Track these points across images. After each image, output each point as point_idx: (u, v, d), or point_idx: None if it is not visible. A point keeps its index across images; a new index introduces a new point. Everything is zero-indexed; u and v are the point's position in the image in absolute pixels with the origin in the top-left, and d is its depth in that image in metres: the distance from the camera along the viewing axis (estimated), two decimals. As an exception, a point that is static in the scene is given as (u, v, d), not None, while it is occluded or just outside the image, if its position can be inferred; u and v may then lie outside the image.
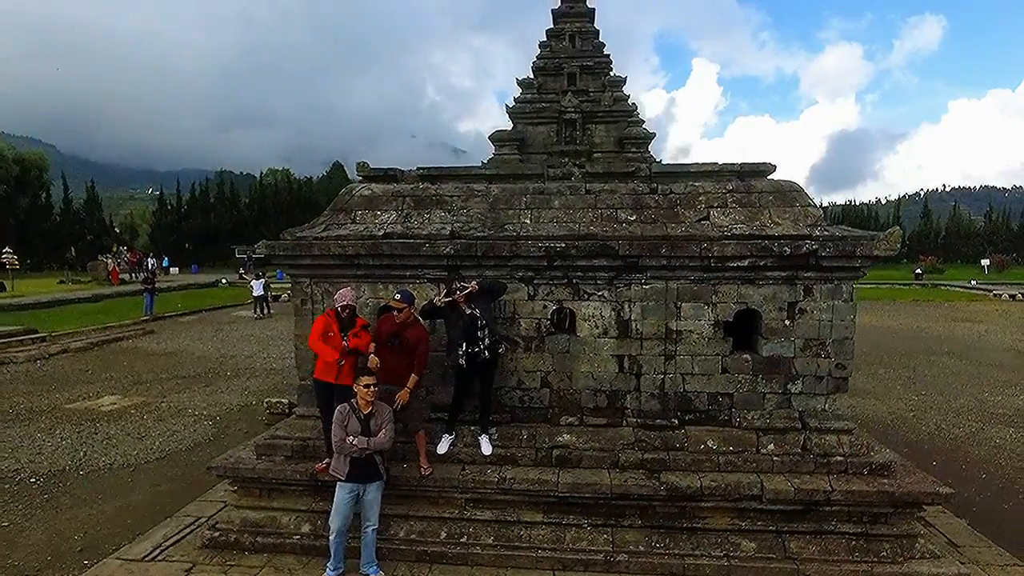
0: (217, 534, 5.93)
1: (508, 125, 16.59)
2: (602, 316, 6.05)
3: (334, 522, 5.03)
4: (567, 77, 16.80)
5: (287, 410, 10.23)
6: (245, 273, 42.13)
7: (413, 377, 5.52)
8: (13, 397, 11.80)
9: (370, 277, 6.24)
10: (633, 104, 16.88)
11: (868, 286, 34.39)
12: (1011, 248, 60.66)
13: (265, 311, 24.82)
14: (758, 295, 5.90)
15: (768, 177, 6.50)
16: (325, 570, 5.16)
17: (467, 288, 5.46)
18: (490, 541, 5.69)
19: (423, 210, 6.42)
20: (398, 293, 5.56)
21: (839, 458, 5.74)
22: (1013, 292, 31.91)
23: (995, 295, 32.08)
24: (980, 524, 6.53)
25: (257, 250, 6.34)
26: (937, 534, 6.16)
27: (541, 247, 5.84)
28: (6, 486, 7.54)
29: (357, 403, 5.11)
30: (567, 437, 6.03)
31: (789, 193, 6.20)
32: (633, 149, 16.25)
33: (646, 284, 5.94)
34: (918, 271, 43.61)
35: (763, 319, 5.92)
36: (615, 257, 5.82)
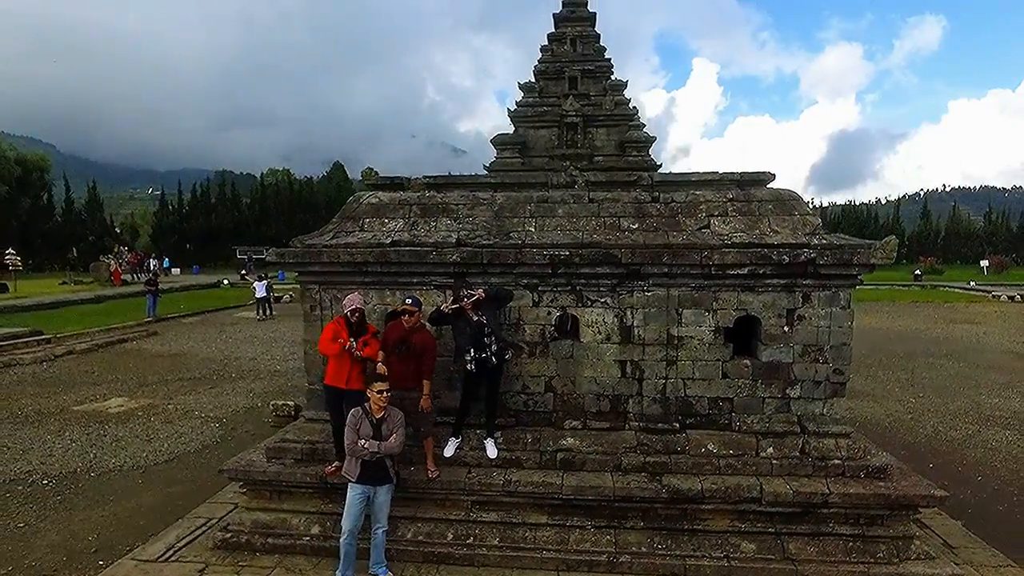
0: (229, 535, 6.07)
1: (508, 127, 16.72)
2: (605, 322, 6.18)
3: (346, 523, 5.16)
4: (568, 81, 16.88)
5: (293, 413, 10.38)
6: (247, 274, 42.26)
7: (427, 383, 5.67)
8: (21, 399, 11.94)
9: (378, 284, 6.38)
10: (634, 108, 16.98)
11: (868, 287, 34.52)
12: (1010, 249, 60.81)
13: (268, 312, 24.96)
14: (758, 302, 6.03)
15: (768, 186, 6.63)
16: (335, 573, 5.28)
17: (474, 295, 5.60)
18: (496, 542, 5.83)
19: (429, 218, 6.55)
20: (408, 299, 5.70)
21: (837, 461, 5.88)
22: (1012, 294, 32.06)
23: (994, 296, 32.24)
24: (975, 526, 6.67)
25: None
26: (933, 535, 6.31)
27: (546, 255, 5.98)
28: (19, 488, 7.68)
29: (370, 407, 5.24)
30: (571, 441, 6.16)
31: (788, 202, 6.34)
32: (634, 153, 16.33)
33: (648, 291, 6.08)
34: (917, 272, 43.76)
35: (763, 325, 6.05)
36: (618, 265, 5.96)
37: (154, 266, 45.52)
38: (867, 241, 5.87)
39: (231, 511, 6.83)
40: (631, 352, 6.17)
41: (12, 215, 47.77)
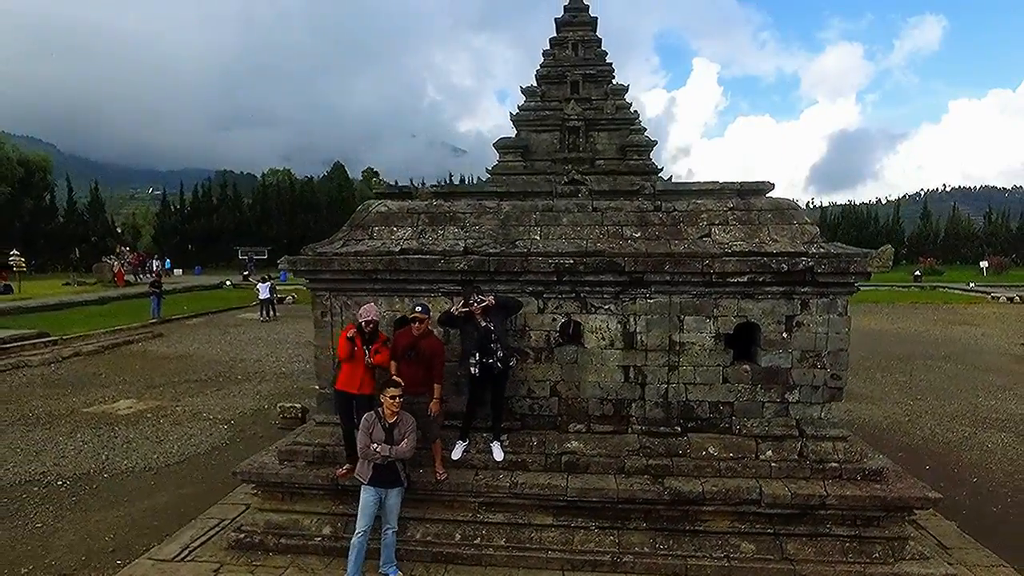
0: (242, 536, 6.23)
1: (508, 127, 16.88)
2: (609, 328, 6.35)
3: (360, 523, 5.33)
4: (570, 85, 17.05)
5: (300, 415, 10.56)
6: (250, 276, 42.42)
7: (437, 387, 5.85)
8: (32, 401, 12.11)
9: (387, 291, 6.54)
10: (635, 112, 17.14)
11: (868, 288, 34.68)
12: (1010, 249, 60.90)
13: (271, 314, 25.12)
14: (757, 309, 6.20)
15: (767, 195, 6.79)
16: (350, 567, 5.43)
17: (484, 301, 5.78)
18: (502, 543, 6.00)
19: (437, 226, 6.72)
20: (418, 306, 5.87)
21: (834, 464, 6.05)
22: (1011, 295, 32.19)
23: (993, 297, 32.38)
24: (969, 526, 6.83)
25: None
26: (927, 536, 6.47)
27: (551, 263, 6.15)
28: (35, 489, 7.85)
29: (383, 412, 5.41)
30: (575, 444, 6.33)
31: (787, 211, 6.50)
32: (635, 157, 16.50)
33: (651, 298, 6.24)
34: (917, 273, 43.88)
35: (762, 332, 6.22)
36: (621, 273, 6.12)
37: (156, 267, 45.72)
38: (863, 250, 6.03)
39: (243, 512, 7.00)
40: (634, 358, 6.33)
41: (15, 216, 47.94)
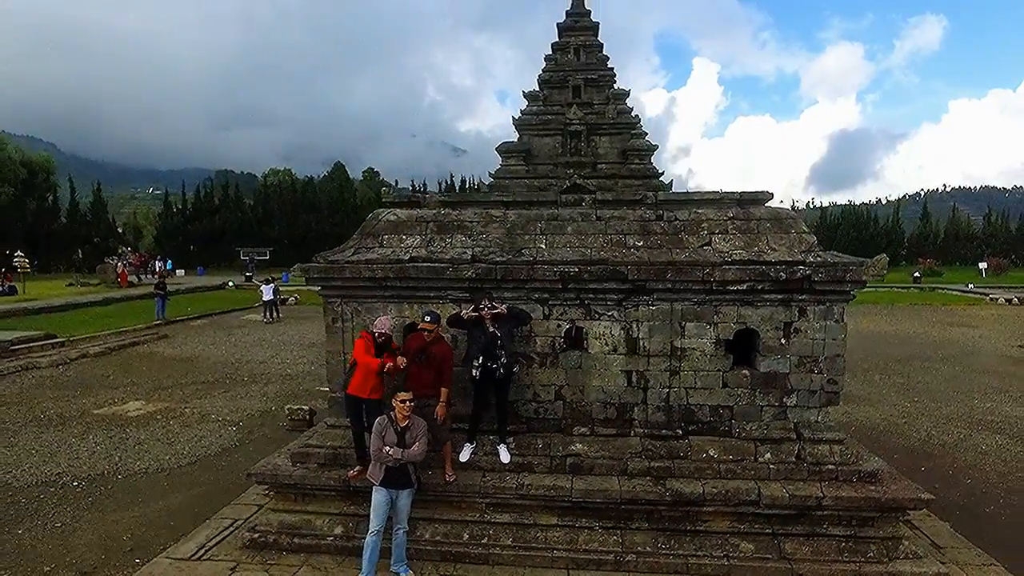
0: (257, 535, 6.43)
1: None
2: (612, 334, 6.54)
3: (373, 523, 5.52)
4: (572, 90, 17.24)
5: (307, 417, 10.75)
6: (253, 277, 42.60)
7: (445, 391, 6.04)
8: (43, 402, 12.30)
9: (396, 298, 6.73)
10: (636, 116, 17.33)
11: (867, 290, 34.84)
12: (1009, 250, 61.07)
13: (274, 315, 25.32)
14: (756, 316, 6.39)
15: (766, 204, 6.98)
16: (364, 566, 5.60)
17: (497, 309, 6.01)
18: (509, 542, 6.19)
19: (445, 235, 6.91)
20: (427, 315, 6.06)
21: (830, 466, 6.24)
22: (1009, 296, 32.35)
23: (991, 299, 32.54)
24: (962, 527, 7.02)
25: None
26: (921, 536, 6.66)
27: (556, 271, 6.34)
28: (51, 489, 8.05)
29: (394, 416, 5.60)
30: (579, 446, 6.52)
31: (785, 220, 6.69)
32: (636, 160, 16.69)
33: (653, 305, 6.44)
34: (916, 274, 44.03)
35: (761, 338, 6.41)
36: (624, 281, 6.32)
37: (159, 267, 45.92)
38: (859, 259, 6.22)
39: (255, 512, 7.20)
40: (637, 363, 6.53)
41: (18, 217, 48.12)
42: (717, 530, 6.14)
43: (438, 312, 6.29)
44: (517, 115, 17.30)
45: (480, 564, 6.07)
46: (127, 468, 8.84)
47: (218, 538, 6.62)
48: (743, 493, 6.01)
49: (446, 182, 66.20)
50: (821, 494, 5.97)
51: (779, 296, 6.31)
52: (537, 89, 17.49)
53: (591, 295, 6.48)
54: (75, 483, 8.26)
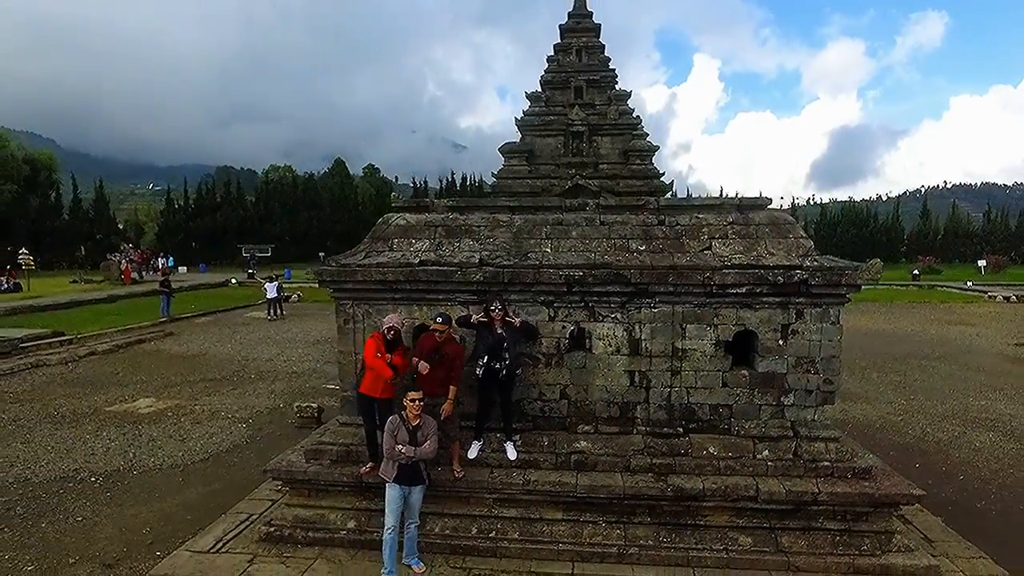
0: (272, 529, 6.66)
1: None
2: (615, 336, 6.76)
3: (389, 520, 5.75)
4: (574, 91, 17.41)
5: (316, 414, 10.99)
6: (255, 274, 42.80)
7: (454, 389, 6.27)
8: (55, 400, 12.54)
9: (406, 300, 6.95)
10: (637, 117, 17.52)
11: (866, 287, 34.99)
12: (1009, 248, 61.23)
13: (278, 312, 25.54)
14: (755, 318, 6.61)
15: (765, 210, 7.18)
16: (382, 565, 5.82)
17: (512, 321, 6.34)
18: (516, 536, 6.43)
19: (453, 239, 7.12)
20: (439, 317, 6.29)
21: (826, 463, 6.47)
22: (1008, 294, 32.57)
23: (989, 297, 32.76)
24: (954, 521, 7.25)
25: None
26: (914, 530, 6.90)
27: (561, 275, 6.56)
28: (70, 484, 8.29)
29: (406, 415, 5.82)
30: (584, 444, 6.75)
31: (783, 225, 6.90)
32: (638, 161, 16.87)
33: (655, 308, 6.66)
34: (915, 272, 44.23)
35: (759, 339, 6.63)
36: (627, 284, 6.54)
37: (162, 264, 46.13)
38: (854, 263, 6.43)
39: (269, 507, 7.44)
40: (639, 363, 6.75)
41: (21, 214, 48.33)
42: (717, 524, 6.37)
43: (449, 314, 6.51)
44: (517, 111, 17.56)
45: (488, 557, 6.30)
46: (142, 464, 9.07)
47: (235, 532, 6.86)
48: (742, 489, 6.24)
49: (447, 179, 66.32)
50: (817, 490, 6.20)
51: (777, 299, 6.52)
52: (539, 90, 17.67)
53: (595, 298, 6.70)
54: (92, 478, 8.50)
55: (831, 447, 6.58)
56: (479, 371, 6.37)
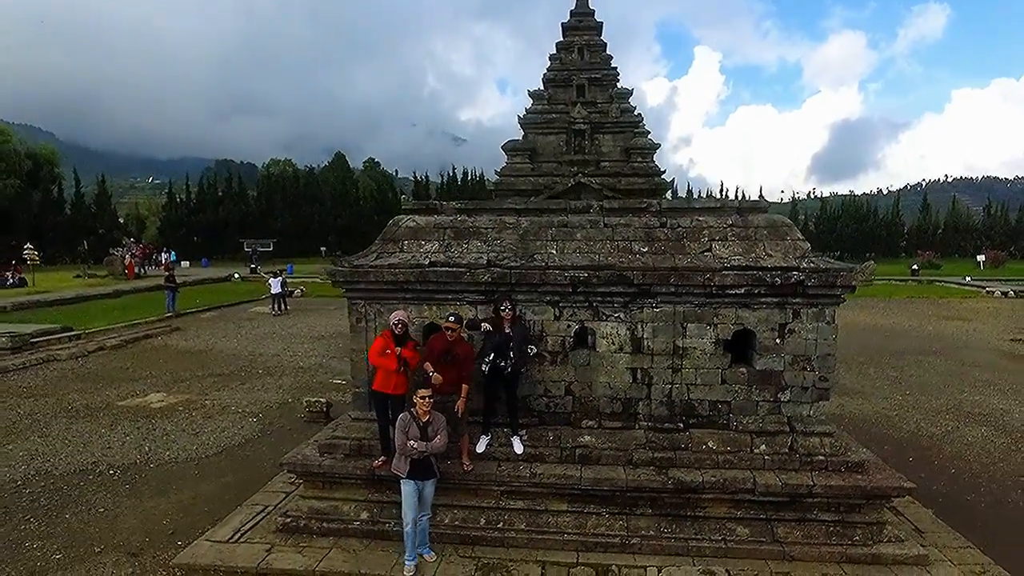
0: (288, 520, 6.93)
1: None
2: (618, 334, 7.01)
3: (407, 514, 6.02)
4: (576, 89, 17.61)
5: (324, 409, 11.26)
6: (257, 269, 43.02)
7: (466, 388, 6.53)
8: (69, 394, 12.80)
9: (416, 300, 7.19)
10: (639, 115, 17.72)
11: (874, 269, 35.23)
12: (1008, 242, 61.40)
13: (283, 308, 25.78)
14: (753, 317, 6.85)
15: (763, 213, 7.41)
16: (407, 552, 6.11)
17: (529, 352, 6.77)
18: (523, 527, 6.70)
19: (462, 240, 7.36)
20: (451, 316, 6.54)
21: (821, 457, 6.73)
22: (1005, 289, 32.80)
23: (987, 292, 33.00)
24: (944, 513, 7.52)
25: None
26: (905, 522, 7.17)
27: (566, 276, 6.80)
28: (89, 477, 8.56)
29: (416, 412, 6.08)
30: (588, 438, 7.01)
31: (781, 228, 7.13)
32: (639, 159, 17.10)
33: (657, 308, 6.90)
34: (914, 267, 44.46)
35: (757, 338, 6.87)
36: (630, 285, 6.77)
37: (165, 259, 46.32)
38: (848, 265, 6.67)
39: (283, 499, 7.71)
40: (641, 361, 7.00)
41: (24, 209, 48.50)
42: (715, 515, 6.64)
43: (460, 315, 6.75)
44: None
45: (496, 547, 6.57)
46: (158, 458, 9.34)
47: (252, 523, 7.13)
48: (740, 482, 6.51)
49: (448, 174, 66.39)
50: (812, 483, 6.46)
51: (775, 299, 6.76)
52: (542, 88, 17.87)
53: (599, 298, 6.94)
54: (111, 471, 8.77)
55: (826, 442, 6.83)
56: (485, 369, 6.63)
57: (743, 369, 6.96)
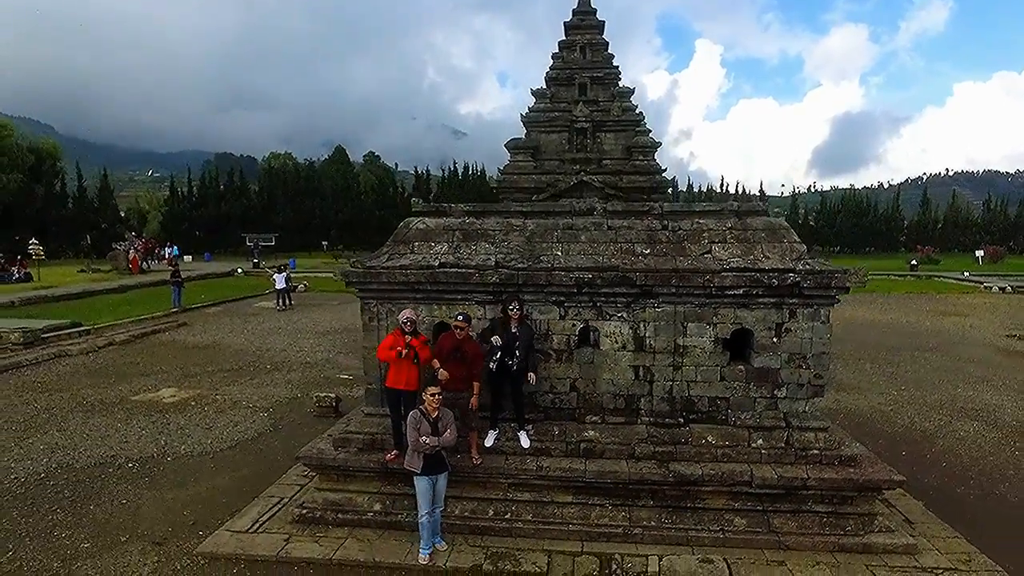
0: (304, 511, 7.23)
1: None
2: (621, 333, 7.28)
3: (423, 507, 6.30)
4: (578, 87, 17.83)
5: (334, 404, 11.54)
6: (260, 263, 43.27)
7: (477, 385, 6.82)
8: (82, 389, 13.09)
9: (427, 299, 7.46)
10: (640, 113, 17.94)
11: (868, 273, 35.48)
12: (1008, 237, 61.60)
13: (287, 303, 26.06)
14: (751, 317, 7.12)
15: (762, 216, 7.65)
16: (423, 542, 6.42)
17: (532, 367, 7.02)
18: (529, 518, 7.00)
19: (470, 242, 7.62)
20: (460, 315, 6.81)
21: (815, 451, 7.02)
22: (1003, 285, 33.05)
23: (985, 287, 33.26)
24: (935, 505, 7.81)
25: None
26: (896, 513, 7.47)
27: (571, 277, 7.06)
28: (109, 470, 8.85)
29: (426, 408, 6.36)
30: (592, 433, 7.30)
31: (779, 231, 7.39)
32: (640, 157, 17.35)
33: (658, 308, 7.17)
34: (913, 262, 44.68)
35: (755, 337, 7.15)
36: (633, 286, 7.04)
37: (168, 254, 46.55)
38: (843, 267, 6.93)
39: (298, 491, 8.01)
40: (643, 359, 7.28)
41: (27, 203, 48.68)
42: (714, 507, 6.94)
43: (468, 314, 7.02)
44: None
45: (504, 537, 6.87)
46: (174, 451, 9.63)
47: (269, 514, 7.42)
48: (737, 475, 6.80)
49: (449, 168, 66.49)
50: (806, 476, 6.75)
51: (772, 300, 7.03)
52: (544, 87, 18.08)
53: (603, 298, 7.21)
54: (129, 464, 9.06)
55: (820, 436, 7.12)
56: (492, 366, 6.90)
57: (741, 367, 7.24)
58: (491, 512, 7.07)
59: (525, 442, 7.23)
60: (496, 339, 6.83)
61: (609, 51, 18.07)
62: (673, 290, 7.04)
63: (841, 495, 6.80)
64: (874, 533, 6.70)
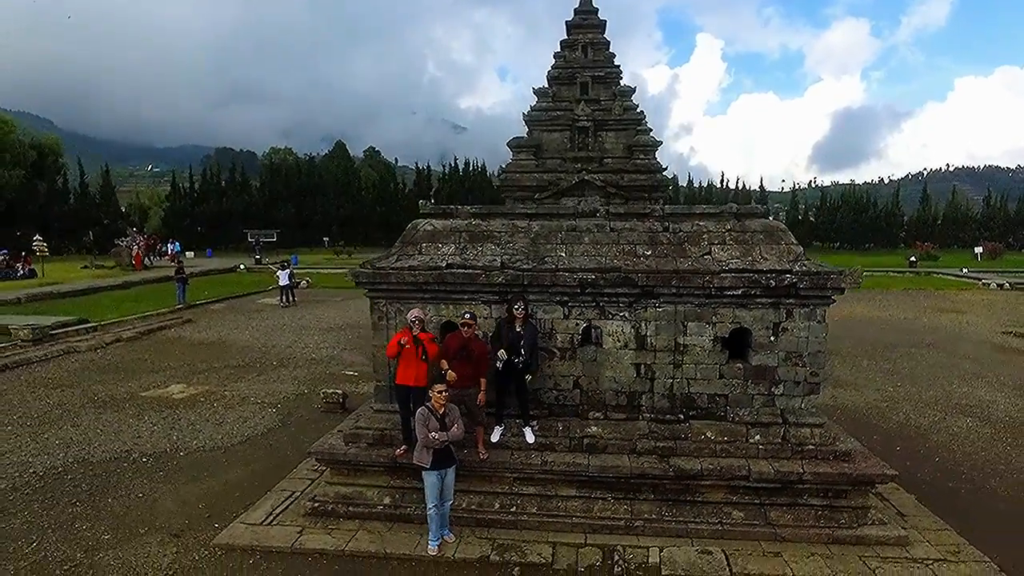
0: (317, 504, 7.47)
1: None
2: (623, 332, 7.50)
3: (430, 500, 6.54)
4: (580, 86, 17.97)
5: (341, 400, 11.77)
6: (262, 260, 43.47)
7: (483, 381, 7.05)
8: (93, 385, 13.33)
9: (434, 299, 7.68)
10: (641, 112, 18.09)
11: (864, 275, 35.66)
12: (1007, 233, 61.73)
13: (290, 299, 26.27)
14: (749, 316, 7.34)
15: (760, 218, 7.86)
16: (431, 534, 6.65)
17: (536, 366, 7.23)
18: (534, 510, 7.24)
19: (477, 244, 7.83)
20: (467, 314, 7.04)
21: (811, 447, 7.25)
22: (1001, 282, 33.25)
23: (983, 284, 33.46)
24: (927, 499, 8.05)
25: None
26: (889, 506, 7.70)
27: (575, 278, 7.28)
28: (125, 464, 9.09)
29: (432, 405, 6.58)
30: (594, 429, 7.53)
31: (776, 232, 7.60)
32: (641, 156, 17.50)
33: (659, 307, 7.39)
34: (912, 259, 44.84)
35: (753, 336, 7.37)
36: (635, 286, 7.26)
37: (170, 250, 46.74)
38: (838, 268, 7.15)
39: (308, 486, 8.25)
40: (645, 357, 7.50)
41: (29, 200, 48.84)
42: (713, 500, 7.18)
43: (475, 312, 7.24)
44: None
45: (510, 529, 7.11)
46: (186, 446, 9.87)
47: (282, 507, 7.67)
48: (735, 469, 7.03)
49: (450, 164, 66.57)
50: (802, 470, 6.99)
51: (769, 300, 7.24)
52: (546, 86, 18.24)
53: (605, 298, 7.43)
54: (144, 459, 9.30)
55: (816, 432, 7.35)
56: (499, 364, 7.13)
57: (739, 365, 7.46)
58: (497, 505, 7.30)
59: (530, 437, 7.46)
60: (502, 353, 7.02)
61: (610, 50, 18.23)
62: (674, 290, 7.26)
63: (836, 489, 7.04)
64: (867, 526, 6.95)
